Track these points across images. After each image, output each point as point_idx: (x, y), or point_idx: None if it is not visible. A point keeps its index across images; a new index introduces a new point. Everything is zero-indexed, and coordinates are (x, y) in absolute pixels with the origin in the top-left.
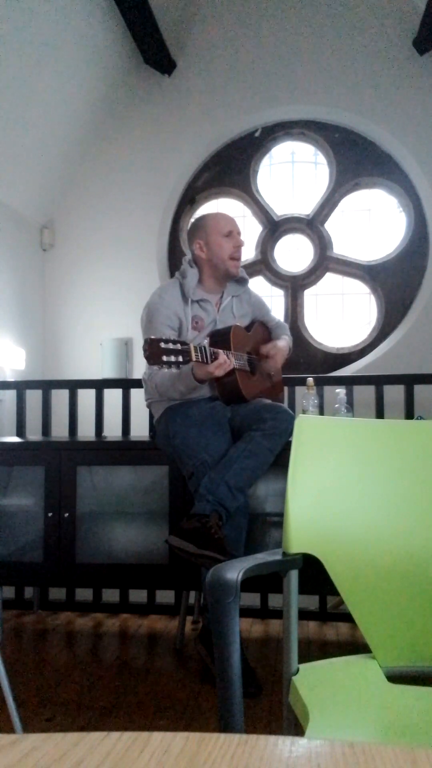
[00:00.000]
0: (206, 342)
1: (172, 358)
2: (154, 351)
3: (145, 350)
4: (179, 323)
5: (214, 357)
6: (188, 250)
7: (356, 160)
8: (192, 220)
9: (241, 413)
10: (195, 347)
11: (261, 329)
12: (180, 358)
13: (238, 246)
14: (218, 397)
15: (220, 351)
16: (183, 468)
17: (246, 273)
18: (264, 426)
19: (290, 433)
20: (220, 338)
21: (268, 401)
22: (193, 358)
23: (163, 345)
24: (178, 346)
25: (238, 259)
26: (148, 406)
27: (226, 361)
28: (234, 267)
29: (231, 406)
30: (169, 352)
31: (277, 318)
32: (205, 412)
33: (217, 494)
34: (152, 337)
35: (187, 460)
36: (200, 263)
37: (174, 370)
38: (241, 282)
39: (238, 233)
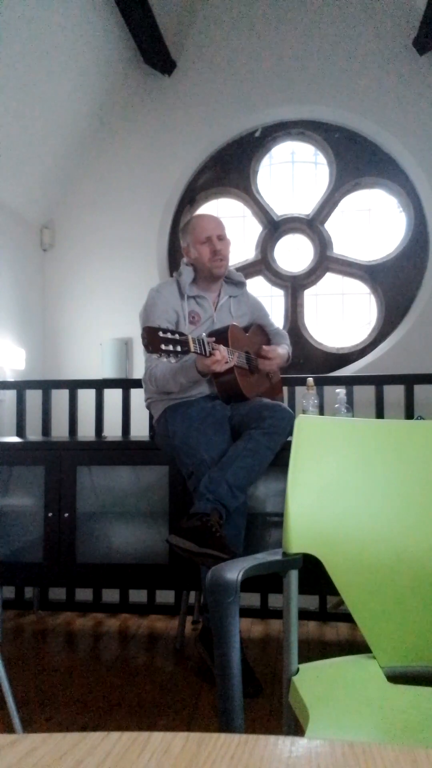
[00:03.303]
0: (204, 335)
1: (171, 348)
2: (152, 339)
3: (143, 338)
4: (176, 317)
5: (212, 352)
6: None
7: (356, 160)
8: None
9: (240, 412)
10: (193, 339)
11: (259, 332)
12: (179, 348)
13: (216, 250)
14: (218, 396)
15: (220, 346)
16: (182, 467)
17: (245, 273)
18: (263, 424)
19: (290, 432)
20: (218, 337)
21: (268, 400)
22: (192, 349)
23: (161, 334)
24: (176, 337)
25: (222, 259)
26: (148, 406)
27: (224, 358)
28: (217, 268)
29: (231, 405)
30: (167, 341)
31: (277, 325)
32: (204, 411)
33: (218, 493)
34: (150, 325)
35: (187, 459)
36: (193, 264)
37: (173, 360)
38: (239, 285)
39: (219, 237)
